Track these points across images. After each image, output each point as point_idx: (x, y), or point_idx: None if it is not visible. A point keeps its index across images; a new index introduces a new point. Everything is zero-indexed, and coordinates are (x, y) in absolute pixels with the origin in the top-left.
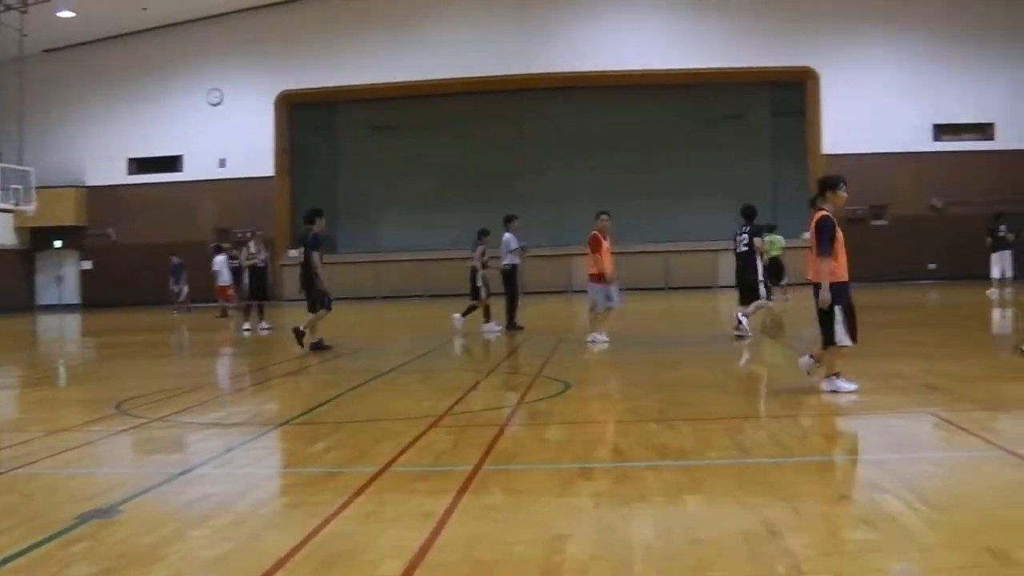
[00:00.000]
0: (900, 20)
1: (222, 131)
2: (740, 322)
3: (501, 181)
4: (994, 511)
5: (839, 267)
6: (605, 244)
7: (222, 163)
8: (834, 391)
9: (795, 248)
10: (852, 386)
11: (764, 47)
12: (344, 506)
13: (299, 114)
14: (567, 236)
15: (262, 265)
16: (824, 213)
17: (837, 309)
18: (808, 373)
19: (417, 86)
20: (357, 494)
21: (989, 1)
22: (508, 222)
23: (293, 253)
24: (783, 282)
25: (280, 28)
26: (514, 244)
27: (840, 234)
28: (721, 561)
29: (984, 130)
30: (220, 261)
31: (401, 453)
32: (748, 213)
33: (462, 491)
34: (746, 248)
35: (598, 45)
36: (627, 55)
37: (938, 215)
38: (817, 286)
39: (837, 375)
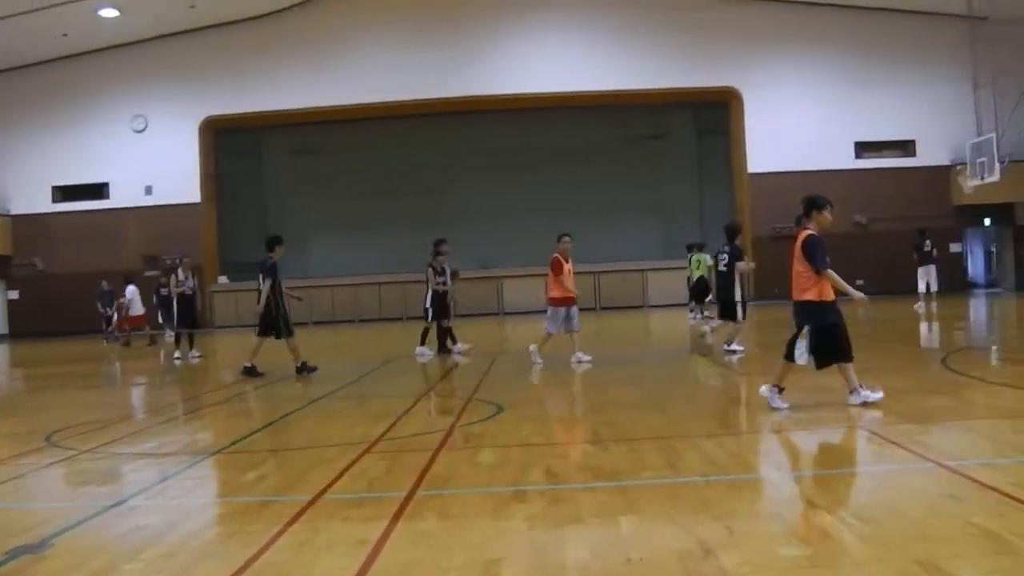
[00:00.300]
0: (822, 40)
1: (147, 158)
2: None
3: (426, 203)
4: (924, 523)
5: (828, 286)
6: (567, 266)
7: (148, 190)
8: (864, 403)
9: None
10: (783, 405)
11: (687, 67)
12: (278, 535)
13: (224, 140)
14: (492, 258)
15: (190, 293)
16: (810, 232)
17: (807, 328)
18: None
19: (340, 111)
20: (291, 522)
21: (911, 20)
22: (436, 246)
23: (222, 280)
24: (708, 299)
25: (203, 54)
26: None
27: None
28: None
29: (906, 147)
30: (131, 291)
31: (335, 480)
32: (730, 232)
33: (396, 517)
34: (725, 268)
35: (521, 67)
36: (550, 76)
37: (863, 231)
38: (799, 304)
39: (862, 386)
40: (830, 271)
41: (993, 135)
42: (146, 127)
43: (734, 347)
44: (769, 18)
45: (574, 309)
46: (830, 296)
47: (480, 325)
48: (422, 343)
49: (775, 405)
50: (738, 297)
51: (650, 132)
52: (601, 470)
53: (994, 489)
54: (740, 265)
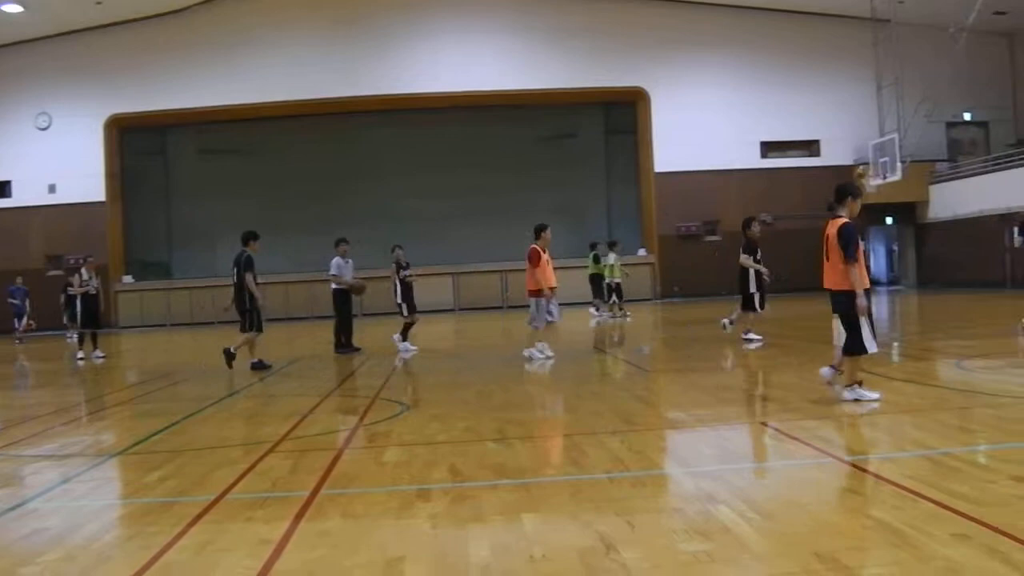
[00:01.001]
0: (729, 41)
1: (51, 156)
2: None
3: (335, 203)
4: (823, 517)
5: (864, 274)
6: (544, 257)
7: (52, 188)
8: (857, 399)
9: (630, 264)
10: (875, 395)
11: (596, 68)
12: (179, 536)
13: (129, 138)
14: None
15: (94, 292)
16: (845, 220)
17: (863, 317)
18: (829, 383)
19: (247, 109)
20: (192, 523)
21: (816, 22)
22: (336, 246)
23: (127, 279)
24: (612, 300)
25: (108, 51)
26: (343, 268)
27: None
28: None
29: (810, 147)
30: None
31: (238, 480)
32: (744, 226)
33: (299, 517)
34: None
35: (429, 66)
36: (459, 76)
37: (768, 230)
38: (836, 293)
39: (859, 383)
40: (857, 263)
41: (895, 135)
42: (50, 125)
43: (751, 336)
44: (677, 19)
45: (554, 300)
46: (867, 283)
47: (387, 324)
48: (403, 339)
49: (864, 397)
50: (752, 288)
51: (560, 131)
52: (505, 468)
53: (892, 483)
54: (742, 258)
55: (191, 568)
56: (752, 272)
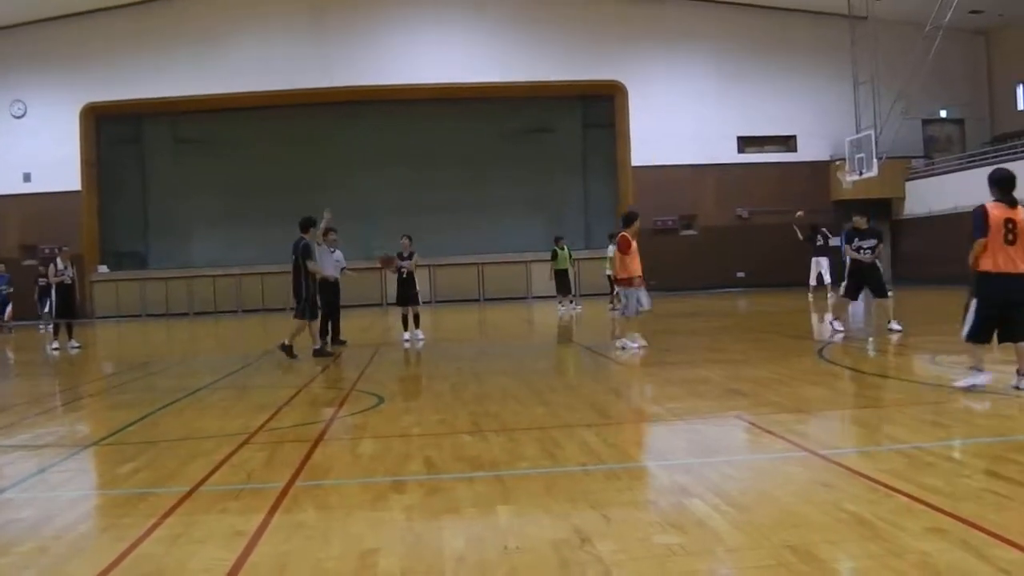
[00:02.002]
0: (707, 36)
1: (26, 144)
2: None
3: (311, 194)
4: (796, 510)
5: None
6: (634, 246)
7: (27, 177)
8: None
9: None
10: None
11: (573, 61)
12: (153, 528)
13: (105, 127)
14: (377, 251)
15: (70, 282)
16: (983, 203)
17: (974, 301)
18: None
19: (223, 99)
20: (167, 515)
21: (794, 18)
22: (324, 235)
23: (102, 269)
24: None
25: (85, 39)
26: (325, 257)
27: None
28: (532, 570)
29: (787, 142)
30: None
31: (212, 472)
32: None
33: (274, 509)
34: (871, 252)
35: (406, 58)
36: (437, 69)
37: (745, 225)
38: (975, 275)
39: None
40: (982, 242)
41: (871, 131)
42: (25, 113)
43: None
44: (656, 13)
45: (643, 288)
46: (996, 268)
47: (363, 316)
48: (412, 328)
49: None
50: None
51: (537, 125)
52: (480, 460)
53: (865, 476)
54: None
55: (165, 560)
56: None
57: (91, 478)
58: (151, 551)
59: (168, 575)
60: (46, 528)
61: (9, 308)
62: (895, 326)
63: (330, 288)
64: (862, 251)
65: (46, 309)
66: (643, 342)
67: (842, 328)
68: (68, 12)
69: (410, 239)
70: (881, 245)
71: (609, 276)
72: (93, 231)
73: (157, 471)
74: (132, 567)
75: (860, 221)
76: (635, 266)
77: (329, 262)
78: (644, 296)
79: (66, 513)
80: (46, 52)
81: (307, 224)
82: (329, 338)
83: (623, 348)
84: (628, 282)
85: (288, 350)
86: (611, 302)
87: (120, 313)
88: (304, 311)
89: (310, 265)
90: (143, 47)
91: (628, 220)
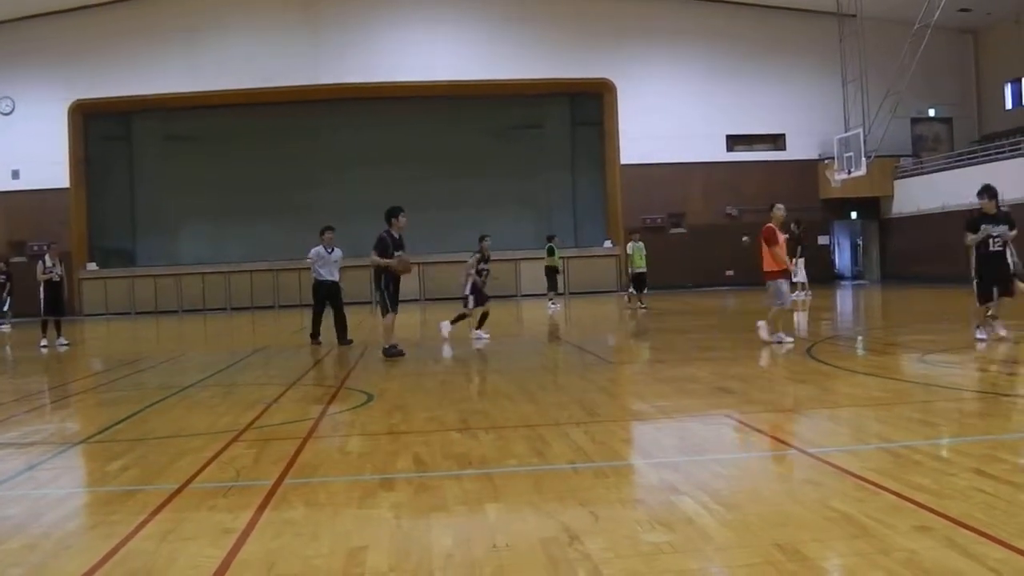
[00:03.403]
0: (696, 34)
1: (14, 141)
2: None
3: (303, 192)
4: (785, 508)
5: None
6: (782, 237)
7: (15, 174)
8: None
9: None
10: None
11: (562, 58)
12: (142, 525)
13: (94, 124)
14: (365, 248)
15: (58, 279)
16: None
17: None
18: None
19: (213, 96)
20: (155, 512)
21: (782, 16)
22: (321, 234)
23: (91, 266)
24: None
25: (73, 36)
26: (325, 256)
27: None
28: (521, 568)
29: (776, 140)
30: None
31: (201, 469)
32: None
33: (263, 506)
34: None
35: (396, 56)
36: (426, 66)
37: (733, 222)
38: None
39: None
40: None
41: (860, 130)
42: (13, 109)
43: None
44: (645, 11)
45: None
46: None
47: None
48: (479, 326)
49: None
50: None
51: (525, 122)
52: (468, 458)
53: (853, 475)
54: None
55: (153, 557)
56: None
57: (79, 475)
58: (139, 548)
59: (156, 572)
60: (34, 525)
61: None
62: (1001, 331)
63: (330, 289)
64: (992, 241)
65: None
66: (789, 338)
67: (995, 334)
68: (58, 8)
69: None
70: (1015, 231)
71: (641, 273)
72: (81, 228)
73: (146, 468)
74: (120, 564)
75: (988, 205)
76: (783, 257)
77: (328, 262)
78: (786, 290)
79: (55, 510)
80: (35, 49)
81: (391, 214)
82: (335, 337)
83: (779, 342)
84: (778, 274)
85: (392, 351)
86: (628, 300)
87: (109, 310)
88: (386, 305)
89: (372, 258)
90: (132, 44)
91: (773, 208)
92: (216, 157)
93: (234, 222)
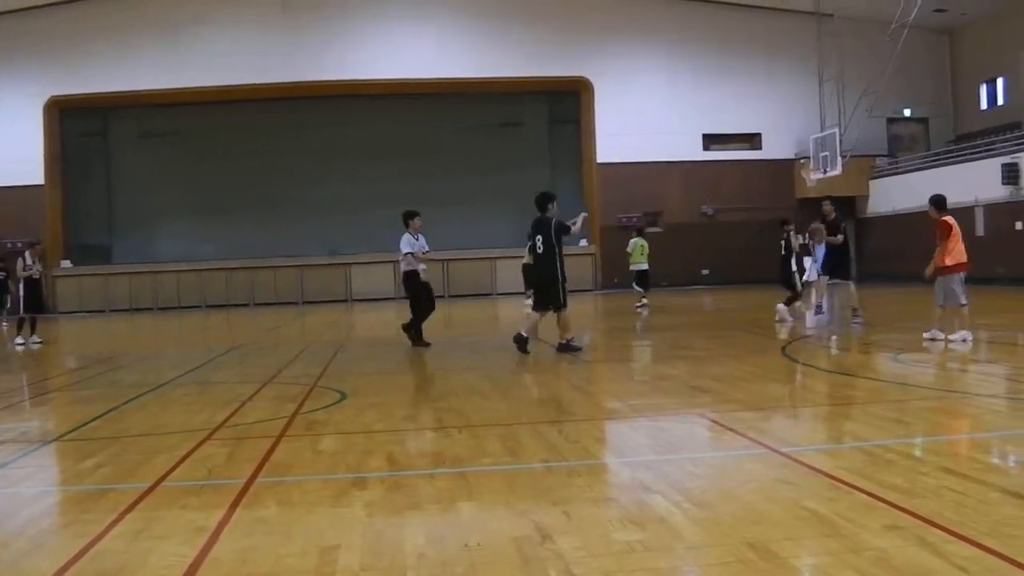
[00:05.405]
0: (673, 33)
1: None
2: None
3: (280, 190)
4: (757, 507)
5: None
6: (956, 230)
7: None
8: None
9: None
10: None
11: (540, 57)
12: (114, 523)
13: (70, 121)
14: (341, 245)
15: (37, 277)
16: None
17: None
18: None
19: (190, 93)
20: (128, 511)
21: (759, 16)
22: (410, 219)
23: (65, 264)
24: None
25: (48, 32)
26: (415, 246)
27: None
28: (493, 566)
29: (752, 140)
30: None
31: (174, 468)
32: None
33: (235, 505)
34: None
35: (376, 54)
36: (405, 64)
37: (709, 221)
38: None
39: None
40: None
41: (836, 130)
42: None
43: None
44: (622, 10)
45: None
46: None
47: (327, 312)
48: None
49: None
50: None
51: (503, 120)
52: (442, 457)
53: (825, 474)
54: None
55: (125, 555)
56: None
57: (53, 474)
58: (112, 547)
59: (129, 571)
60: (7, 524)
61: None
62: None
63: (417, 280)
64: None
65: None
66: (969, 334)
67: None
68: (33, 4)
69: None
70: None
71: (643, 271)
72: (57, 226)
73: (119, 467)
74: (92, 563)
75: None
76: (960, 251)
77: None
78: (959, 286)
79: (27, 509)
80: (10, 45)
81: (546, 200)
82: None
83: (964, 340)
84: (953, 268)
85: (568, 346)
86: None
87: (84, 308)
88: (564, 297)
89: (571, 229)
90: (109, 40)
91: (941, 203)
92: (194, 154)
93: (211, 220)
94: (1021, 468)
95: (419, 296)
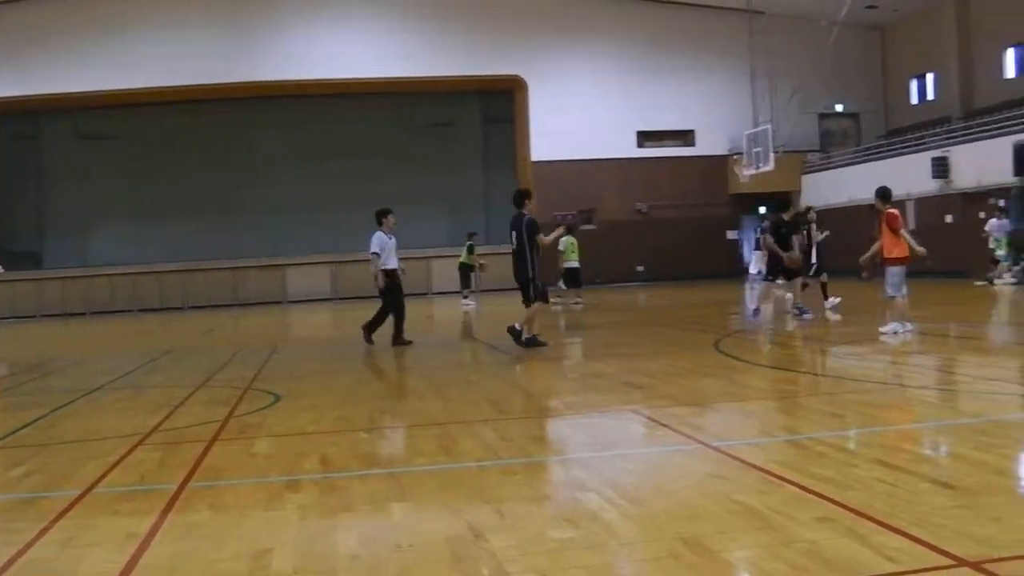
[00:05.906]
0: (607, 30)
1: None
2: None
3: (218, 192)
4: (690, 502)
5: None
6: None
7: None
8: None
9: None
10: None
11: (473, 56)
12: (44, 531)
13: (1, 123)
14: (283, 247)
15: None
16: None
17: None
18: None
19: (129, 94)
20: (58, 518)
21: (692, 13)
22: (384, 217)
23: None
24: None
25: None
26: (387, 245)
27: None
28: (425, 566)
29: (685, 137)
30: None
31: (105, 474)
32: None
33: (167, 510)
34: None
35: (310, 53)
36: (340, 64)
37: (643, 218)
38: None
39: None
40: None
41: (768, 126)
42: None
43: None
44: (555, 8)
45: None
46: None
47: (262, 314)
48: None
49: None
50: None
51: (437, 120)
52: (376, 458)
53: (757, 467)
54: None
55: (55, 564)
56: None
57: None
58: (42, 555)
59: None
60: None
61: None
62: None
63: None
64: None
65: None
66: (911, 326)
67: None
68: None
69: None
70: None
71: (574, 268)
72: None
73: (50, 474)
74: (22, 572)
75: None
76: (905, 244)
77: (391, 250)
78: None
79: None
80: None
81: (523, 197)
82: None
83: (895, 333)
84: (901, 261)
85: (518, 336)
86: (559, 296)
87: (15, 314)
88: (536, 293)
89: (540, 239)
90: (42, 41)
91: (887, 195)
92: (131, 157)
93: (147, 223)
94: (950, 458)
95: (389, 296)
